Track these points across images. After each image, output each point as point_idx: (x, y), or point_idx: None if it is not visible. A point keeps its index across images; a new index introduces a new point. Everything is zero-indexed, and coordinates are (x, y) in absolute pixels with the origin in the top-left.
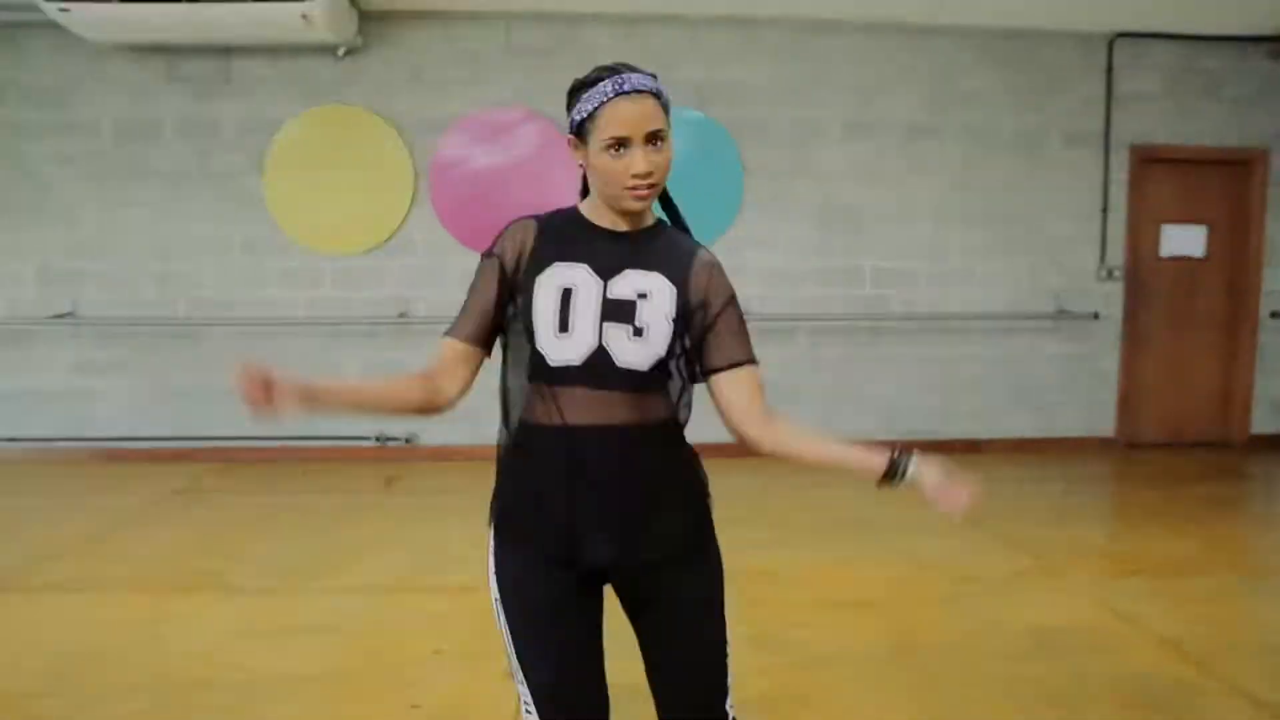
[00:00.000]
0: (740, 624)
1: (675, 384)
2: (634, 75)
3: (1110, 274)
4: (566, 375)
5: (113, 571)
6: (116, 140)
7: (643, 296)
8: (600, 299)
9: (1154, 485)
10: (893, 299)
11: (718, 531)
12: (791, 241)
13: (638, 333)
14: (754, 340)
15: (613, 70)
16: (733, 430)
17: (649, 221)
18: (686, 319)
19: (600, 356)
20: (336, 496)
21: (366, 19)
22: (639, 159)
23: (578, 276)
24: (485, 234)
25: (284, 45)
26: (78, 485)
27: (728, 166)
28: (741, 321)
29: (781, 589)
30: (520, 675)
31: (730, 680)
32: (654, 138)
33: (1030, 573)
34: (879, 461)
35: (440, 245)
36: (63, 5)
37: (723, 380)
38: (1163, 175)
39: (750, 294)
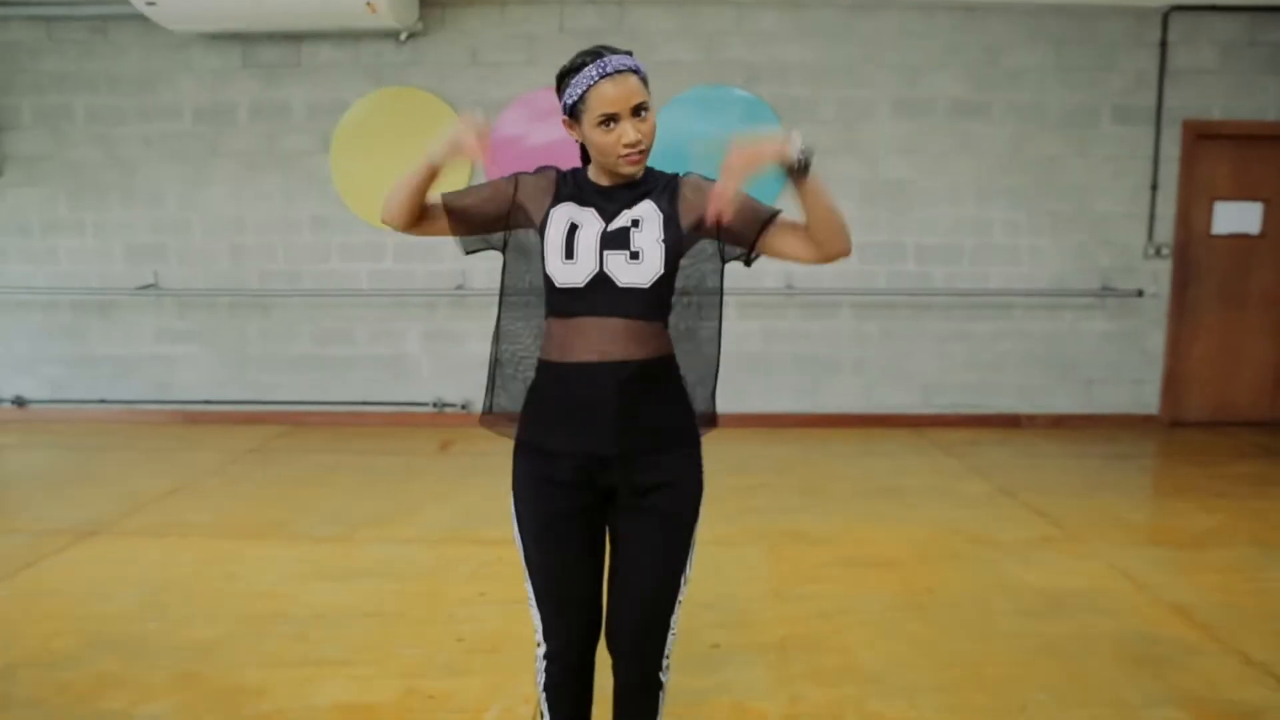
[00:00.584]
0: (764, 579)
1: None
2: (614, 57)
3: (1158, 251)
4: (575, 304)
5: (193, 519)
6: (195, 123)
7: (635, 224)
8: (600, 233)
9: (1192, 462)
10: (936, 275)
11: (753, 498)
12: None
13: (634, 256)
14: (798, 315)
15: (595, 54)
16: (805, 263)
17: (640, 174)
18: (693, 232)
19: (601, 279)
20: (395, 458)
21: (427, 5)
22: (629, 130)
23: (584, 216)
24: None
25: (350, 31)
26: (160, 444)
27: None
28: (747, 197)
29: (807, 548)
30: (528, 578)
31: (673, 626)
32: (638, 109)
33: (1052, 539)
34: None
35: None
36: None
37: (768, 242)
38: (1217, 151)
39: (794, 268)
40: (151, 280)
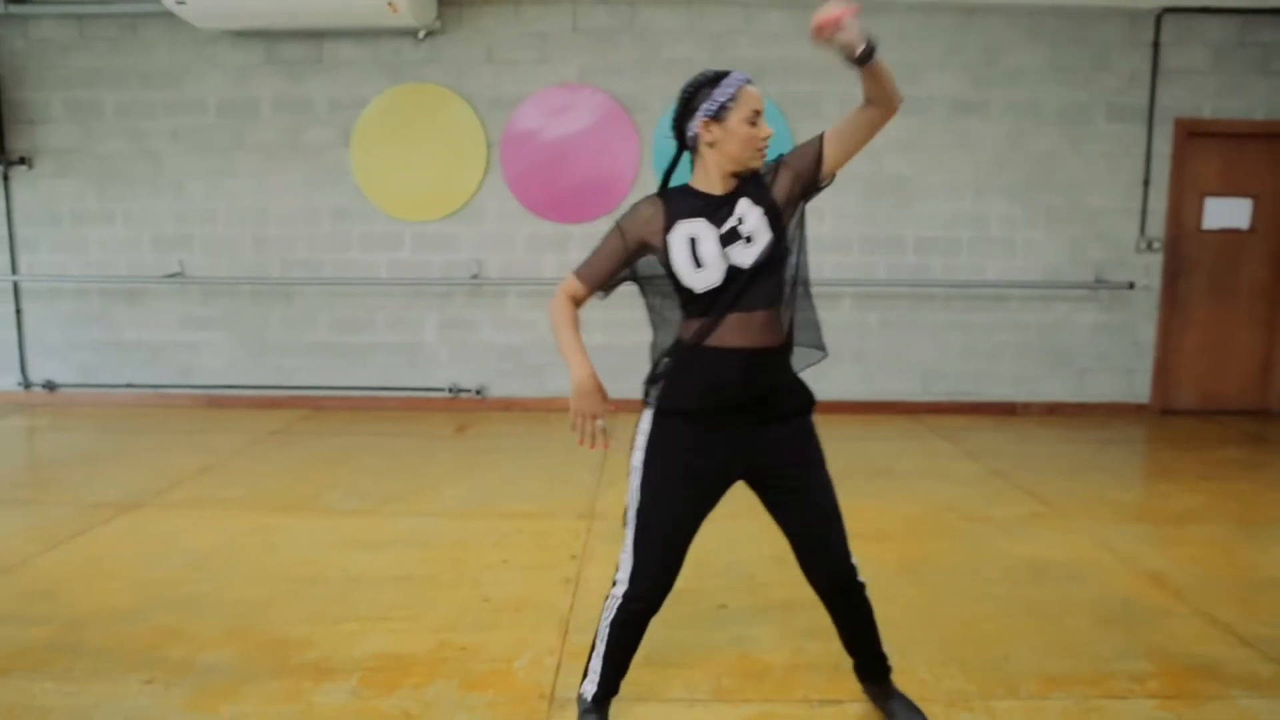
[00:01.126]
0: (769, 548)
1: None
2: (739, 73)
3: (1150, 245)
4: (716, 302)
5: (227, 494)
6: (220, 117)
7: (740, 220)
8: (716, 237)
9: (1180, 448)
10: (935, 267)
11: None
12: (838, 211)
13: (748, 240)
14: None
15: (721, 71)
16: (873, 134)
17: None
18: (790, 203)
19: (733, 272)
20: (413, 440)
21: (445, 4)
22: (765, 126)
23: (698, 228)
24: (551, 202)
25: (370, 29)
26: (187, 426)
27: (778, 140)
28: (796, 147)
29: None
30: (635, 527)
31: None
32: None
33: (1041, 516)
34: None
35: (510, 213)
36: None
37: (831, 153)
38: (1208, 149)
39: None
40: (178, 269)
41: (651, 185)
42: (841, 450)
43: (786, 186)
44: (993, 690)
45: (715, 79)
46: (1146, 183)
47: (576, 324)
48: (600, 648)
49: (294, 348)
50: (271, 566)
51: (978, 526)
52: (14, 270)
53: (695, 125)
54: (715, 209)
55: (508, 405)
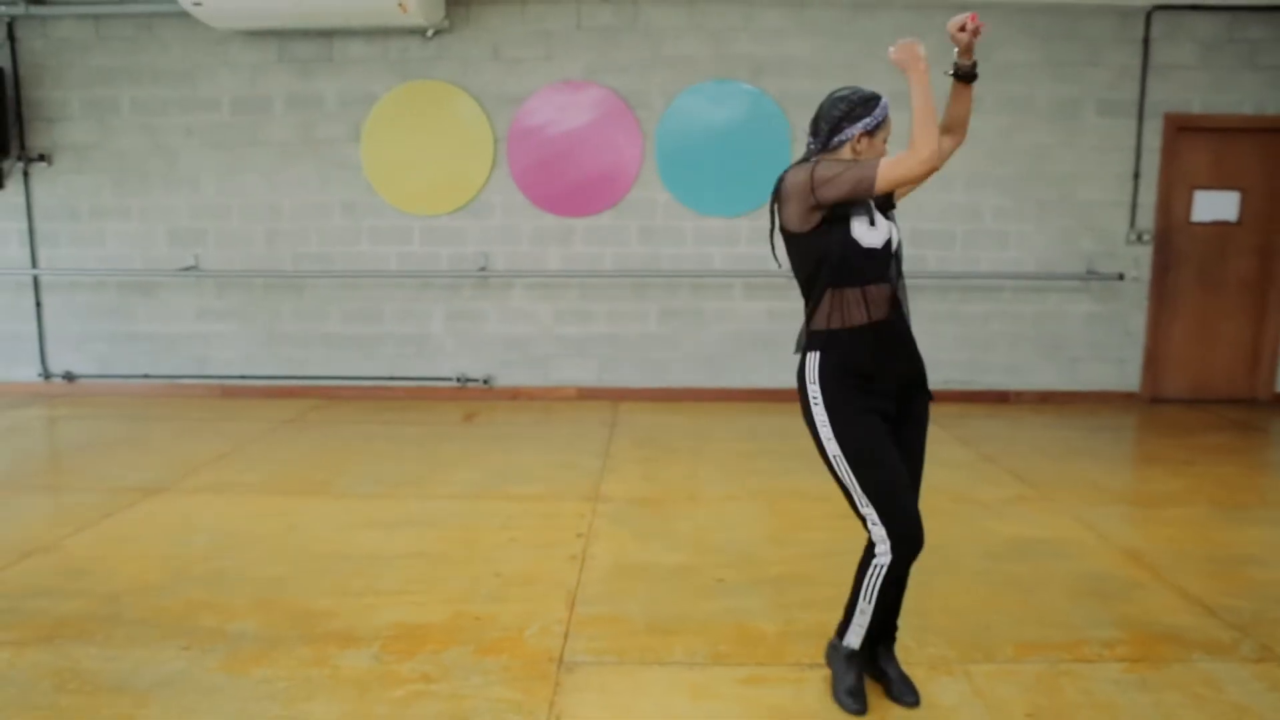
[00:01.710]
0: (765, 528)
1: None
2: None
3: (1140, 237)
4: (870, 266)
5: (245, 479)
6: (234, 114)
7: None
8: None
9: (1167, 435)
10: (929, 259)
11: (758, 461)
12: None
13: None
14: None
15: (873, 93)
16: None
17: None
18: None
19: (886, 245)
20: (422, 428)
21: (453, 3)
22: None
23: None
24: (556, 196)
25: (380, 28)
26: (202, 415)
27: (777, 135)
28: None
29: (804, 504)
30: (866, 496)
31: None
32: None
33: (1026, 498)
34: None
35: (516, 206)
36: (196, 0)
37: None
38: (1197, 143)
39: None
40: (192, 262)
41: (654, 180)
42: None
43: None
44: (971, 655)
45: (873, 99)
46: (1137, 176)
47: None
48: (868, 607)
49: (306, 339)
50: (293, 545)
51: (965, 508)
52: (34, 264)
53: (854, 132)
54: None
55: (514, 394)
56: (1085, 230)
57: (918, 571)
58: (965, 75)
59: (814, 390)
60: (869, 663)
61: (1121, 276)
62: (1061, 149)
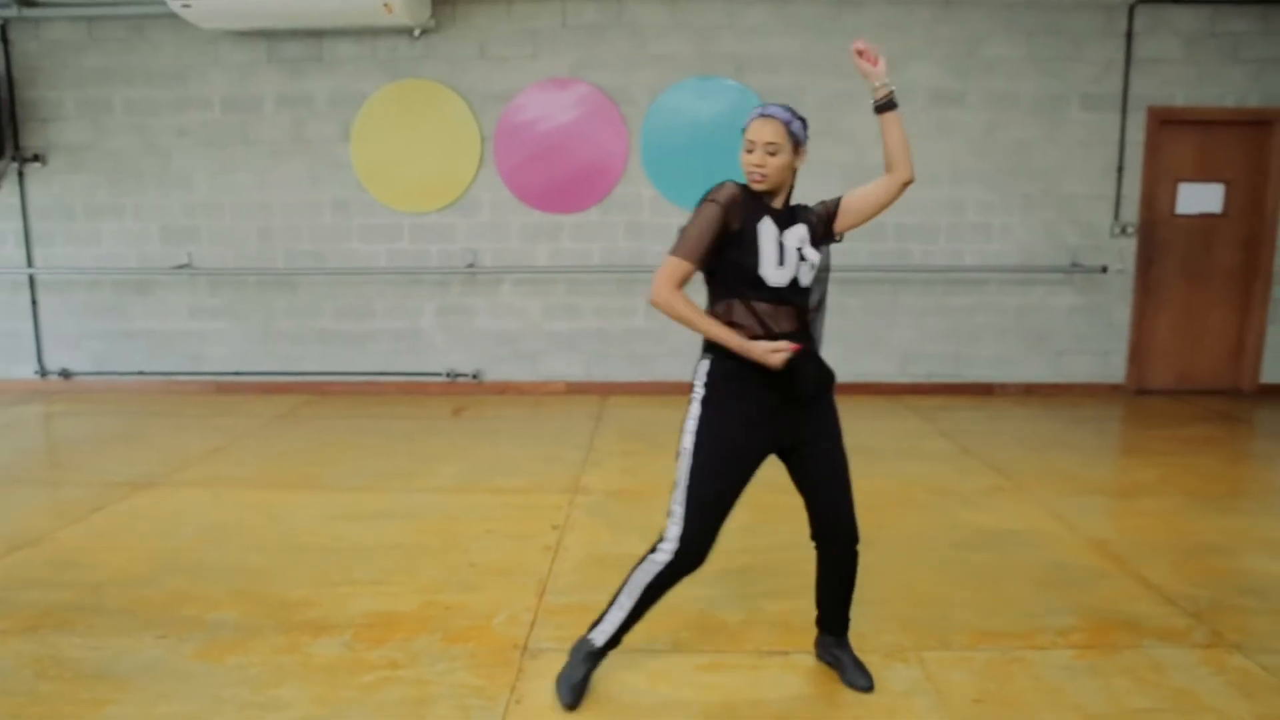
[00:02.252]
0: (736, 518)
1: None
2: (773, 107)
3: (1124, 230)
4: (777, 294)
5: (234, 473)
6: (225, 114)
7: (800, 240)
8: (778, 241)
9: (1148, 426)
10: (914, 252)
11: None
12: (820, 198)
13: (802, 258)
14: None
15: (766, 106)
16: (886, 203)
17: (793, 202)
18: (821, 239)
19: (792, 283)
20: (411, 422)
21: (439, 3)
22: (755, 156)
23: (774, 230)
24: (544, 193)
25: (367, 28)
26: (196, 411)
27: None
28: (829, 200)
29: (779, 496)
30: (684, 495)
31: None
32: (769, 145)
33: (1001, 489)
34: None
35: (504, 203)
36: (185, 2)
37: (844, 218)
38: (1181, 136)
39: None
40: (186, 260)
41: (640, 176)
42: None
43: (823, 233)
44: (927, 643)
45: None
46: (1121, 169)
47: (698, 308)
48: (627, 603)
49: (298, 335)
50: (275, 537)
51: (940, 499)
52: (30, 263)
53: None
54: (783, 221)
55: (503, 389)
56: (1069, 223)
57: (883, 560)
58: (881, 105)
59: (698, 390)
60: (820, 649)
61: (1106, 269)
62: (1045, 143)
